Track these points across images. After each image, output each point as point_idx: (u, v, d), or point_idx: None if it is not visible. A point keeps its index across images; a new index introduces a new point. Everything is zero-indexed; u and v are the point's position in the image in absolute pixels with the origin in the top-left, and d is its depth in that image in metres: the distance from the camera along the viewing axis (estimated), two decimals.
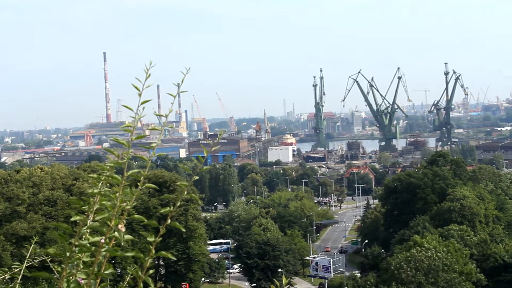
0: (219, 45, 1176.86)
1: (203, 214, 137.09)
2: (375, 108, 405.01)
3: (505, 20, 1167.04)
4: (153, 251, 3.57)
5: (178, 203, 3.65)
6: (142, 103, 3.61)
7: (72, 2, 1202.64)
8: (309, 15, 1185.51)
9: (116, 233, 3.44)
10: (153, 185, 3.80)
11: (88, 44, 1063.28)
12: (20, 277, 4.32)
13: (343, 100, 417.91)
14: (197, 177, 4.10)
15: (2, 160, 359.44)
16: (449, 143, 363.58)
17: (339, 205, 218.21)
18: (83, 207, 3.58)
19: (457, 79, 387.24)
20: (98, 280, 3.48)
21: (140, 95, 3.60)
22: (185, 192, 3.71)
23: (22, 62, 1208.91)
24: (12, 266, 4.39)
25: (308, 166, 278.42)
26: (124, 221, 3.50)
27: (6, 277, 4.37)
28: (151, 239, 3.58)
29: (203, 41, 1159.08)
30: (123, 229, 3.47)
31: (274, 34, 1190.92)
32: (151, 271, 3.63)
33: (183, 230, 3.48)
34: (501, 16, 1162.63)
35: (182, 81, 3.84)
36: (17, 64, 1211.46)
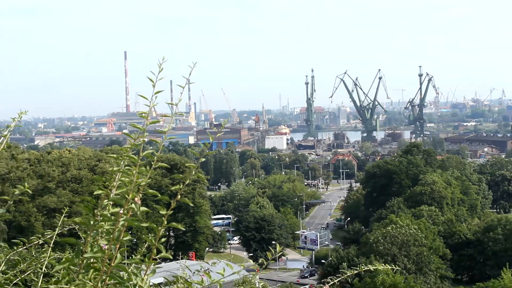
0: (225, 46, 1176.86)
1: (208, 193, 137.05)
2: (358, 104, 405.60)
3: (473, 32, 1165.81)
4: (165, 222, 3.59)
5: (187, 182, 3.67)
6: (156, 93, 3.63)
7: (98, 8, 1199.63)
8: (302, 22, 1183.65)
9: (133, 205, 3.47)
10: (164, 164, 3.82)
11: (111, 44, 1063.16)
12: (51, 243, 4.34)
13: (331, 97, 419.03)
14: (203, 159, 4.15)
15: (36, 143, 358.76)
16: (421, 136, 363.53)
17: (326, 187, 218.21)
18: (105, 183, 3.61)
19: (429, 80, 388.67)
20: (118, 246, 3.51)
21: (154, 86, 3.62)
22: (193, 173, 3.74)
23: (54, 59, 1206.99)
24: (45, 233, 4.41)
25: (299, 153, 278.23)
26: (140, 195, 3.53)
27: (39, 243, 4.39)
28: (163, 212, 3.61)
29: (211, 43, 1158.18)
30: (139, 202, 3.50)
31: (273, 38, 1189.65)
32: (163, 239, 3.67)
33: (191, 205, 3.51)
34: (470, 29, 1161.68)
35: (190, 74, 3.85)
36: (49, 60, 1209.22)
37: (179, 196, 3.63)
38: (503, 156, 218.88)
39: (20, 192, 3.56)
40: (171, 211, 3.64)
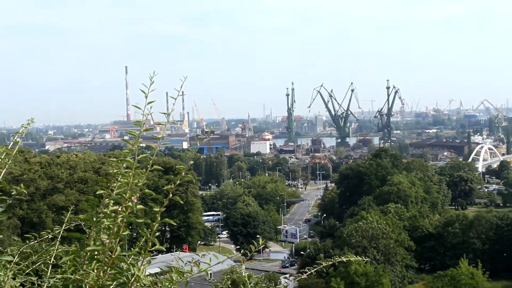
0: (215, 61, 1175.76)
1: (200, 192, 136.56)
2: (333, 113, 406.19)
3: (434, 50, 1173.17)
4: (159, 218, 3.62)
5: (178, 181, 3.70)
6: (148, 103, 3.67)
7: (102, 28, 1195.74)
8: (284, 42, 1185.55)
9: (130, 203, 3.50)
10: (159, 167, 3.85)
11: (114, 60, 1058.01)
12: (59, 237, 4.34)
13: (309, 107, 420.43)
14: (192, 162, 4.19)
15: (46, 148, 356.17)
16: (389, 141, 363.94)
17: (304, 187, 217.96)
18: (107, 184, 3.63)
19: (396, 92, 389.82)
20: (118, 240, 3.53)
21: (146, 97, 3.67)
22: (183, 173, 3.77)
23: (63, 72, 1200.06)
24: (54, 229, 4.41)
25: (281, 157, 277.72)
26: (137, 195, 3.55)
27: (49, 237, 4.39)
28: (156, 209, 3.64)
29: (203, 59, 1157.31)
30: (135, 201, 3.53)
31: (258, 55, 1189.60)
32: (157, 234, 3.69)
33: (182, 202, 3.55)
34: (431, 48, 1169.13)
35: (181, 86, 3.88)
36: (58, 73, 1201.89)
37: (171, 195, 3.66)
38: (461, 159, 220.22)
39: (17, 193, 3.56)
40: (164, 208, 3.67)
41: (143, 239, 3.69)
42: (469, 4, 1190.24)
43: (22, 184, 4.11)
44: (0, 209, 3.59)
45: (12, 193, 3.70)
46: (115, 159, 3.63)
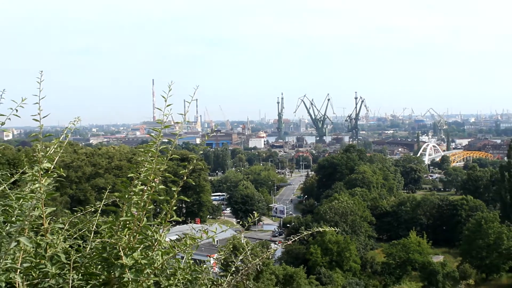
0: (223, 74, 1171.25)
1: (209, 177, 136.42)
2: (313, 117, 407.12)
3: (390, 69, 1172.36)
4: (176, 196, 3.63)
5: (191, 168, 3.71)
6: (167, 105, 3.69)
7: (132, 49, 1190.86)
8: (276, 61, 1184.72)
9: (153, 184, 3.52)
10: (177, 156, 3.88)
11: (145, 73, 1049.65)
12: (99, 210, 4.35)
13: (295, 112, 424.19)
14: (201, 152, 4.21)
15: (90, 142, 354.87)
16: (356, 139, 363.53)
17: (290, 174, 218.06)
18: (136, 169, 3.64)
19: (362, 101, 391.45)
20: (144, 212, 3.54)
21: (165, 100, 3.69)
22: (195, 161, 3.78)
23: (104, 85, 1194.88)
24: (95, 204, 4.43)
25: (273, 151, 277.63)
26: (159, 177, 3.57)
27: (92, 210, 4.40)
28: (174, 189, 3.65)
29: (214, 73, 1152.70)
30: (158, 182, 3.54)
31: (255, 70, 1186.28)
32: (175, 208, 3.70)
33: (194, 184, 3.57)
34: (388, 68, 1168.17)
35: (194, 94, 3.89)
36: (101, 86, 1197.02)
37: (185, 178, 3.69)
38: (411, 154, 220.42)
39: (48, 183, 3.56)
40: (180, 189, 3.69)
41: (164, 212, 3.70)
42: (413, 38, 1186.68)
43: (71, 170, 4.13)
44: (52, 188, 3.59)
45: (46, 182, 3.68)
46: (142, 150, 3.64)
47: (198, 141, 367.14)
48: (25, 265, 3.26)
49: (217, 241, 3.95)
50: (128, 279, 3.33)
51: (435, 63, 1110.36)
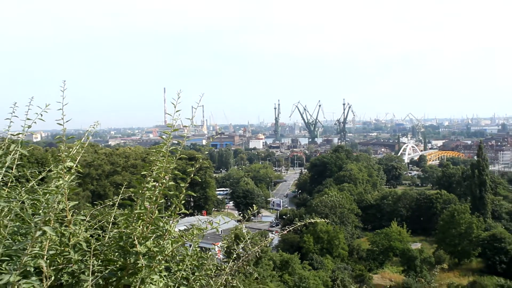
0: (226, 83, 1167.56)
1: (214, 175, 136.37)
2: (306, 121, 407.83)
3: (374, 78, 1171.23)
4: (184, 191, 3.63)
5: (197, 166, 3.70)
6: (176, 111, 3.68)
7: (148, 61, 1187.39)
8: (273, 71, 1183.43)
9: (164, 181, 3.51)
10: (185, 156, 3.85)
11: (156, 83, 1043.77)
12: (117, 204, 4.34)
13: (290, 116, 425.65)
14: (207, 152, 4.22)
15: (109, 143, 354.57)
16: (344, 141, 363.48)
17: (286, 172, 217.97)
18: (149, 167, 3.63)
19: (349, 107, 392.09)
20: (156, 206, 3.53)
21: (175, 106, 3.69)
22: (201, 160, 3.77)
23: (121, 93, 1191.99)
24: (113, 198, 4.42)
25: (270, 151, 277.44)
26: (169, 175, 3.56)
27: (110, 204, 4.40)
28: (182, 184, 3.64)
29: (218, 82, 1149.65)
30: (168, 179, 3.53)
31: (256, 79, 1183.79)
32: (183, 202, 3.69)
33: (200, 180, 3.56)
34: (372, 78, 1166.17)
35: (200, 100, 3.89)
36: (119, 93, 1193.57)
37: (192, 175, 3.69)
38: (393, 153, 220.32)
39: (71, 180, 3.56)
40: (188, 185, 3.68)
41: (174, 205, 3.69)
42: (400, 48, 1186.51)
43: (92, 168, 4.12)
44: (75, 184, 3.59)
45: (68, 180, 3.68)
46: (154, 150, 3.64)
47: (204, 142, 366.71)
48: (51, 252, 3.26)
49: (221, 231, 4.00)
50: (142, 264, 3.34)
51: (414, 73, 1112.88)
